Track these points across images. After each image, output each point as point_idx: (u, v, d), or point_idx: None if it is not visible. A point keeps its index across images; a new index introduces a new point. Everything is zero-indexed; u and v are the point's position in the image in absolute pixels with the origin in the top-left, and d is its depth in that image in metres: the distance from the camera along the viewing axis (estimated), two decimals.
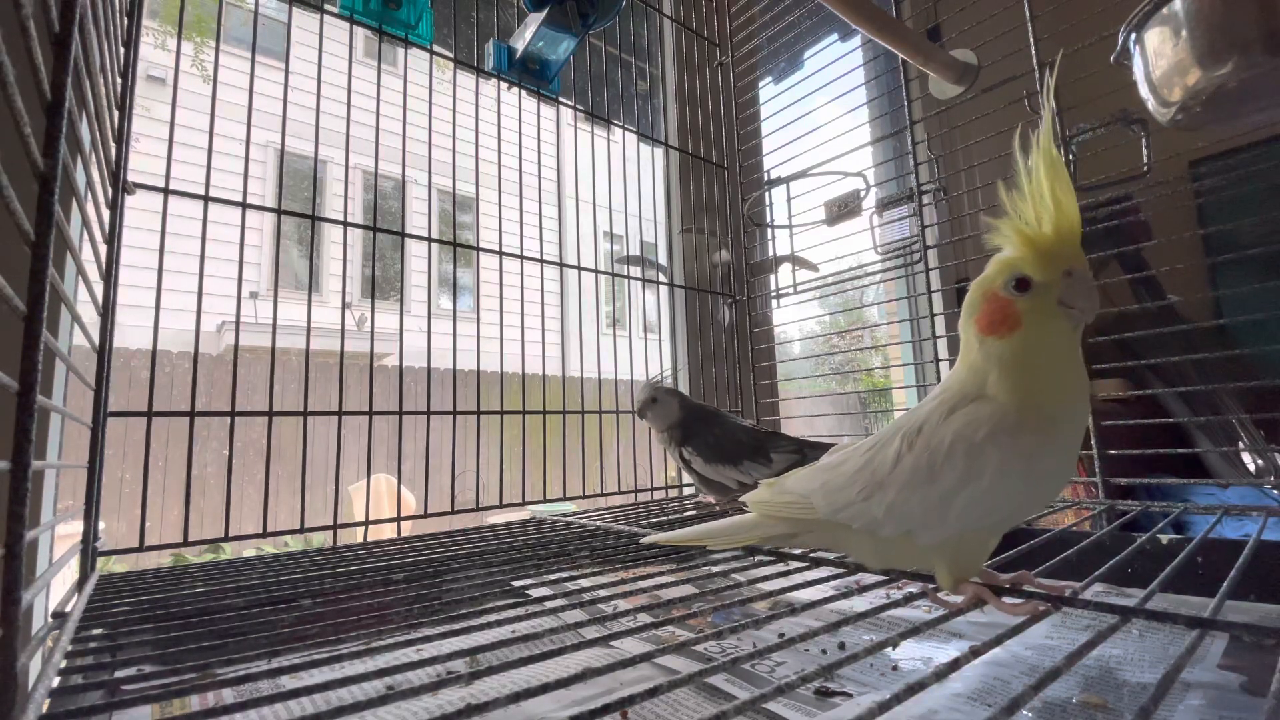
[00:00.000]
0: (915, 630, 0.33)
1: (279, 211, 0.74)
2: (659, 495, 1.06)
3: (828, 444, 0.80)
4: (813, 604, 0.40)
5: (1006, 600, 0.38)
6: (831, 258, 1.16)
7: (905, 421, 0.39)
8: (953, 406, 0.37)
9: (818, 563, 0.51)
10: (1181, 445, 0.76)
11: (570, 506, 0.98)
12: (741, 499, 0.49)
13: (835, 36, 1.32)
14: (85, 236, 0.49)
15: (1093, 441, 0.77)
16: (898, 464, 0.37)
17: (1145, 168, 0.79)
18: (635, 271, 1.12)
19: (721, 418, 0.84)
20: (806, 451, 0.77)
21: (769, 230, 1.23)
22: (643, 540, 0.51)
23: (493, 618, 0.38)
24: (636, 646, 0.50)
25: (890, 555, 0.41)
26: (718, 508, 0.86)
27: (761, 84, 1.35)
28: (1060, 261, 0.34)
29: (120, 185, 0.61)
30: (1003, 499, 0.36)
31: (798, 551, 0.55)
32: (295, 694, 0.27)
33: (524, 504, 0.90)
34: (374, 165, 0.77)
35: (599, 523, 0.78)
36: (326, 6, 0.78)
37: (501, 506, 0.88)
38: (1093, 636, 0.30)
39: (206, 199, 0.66)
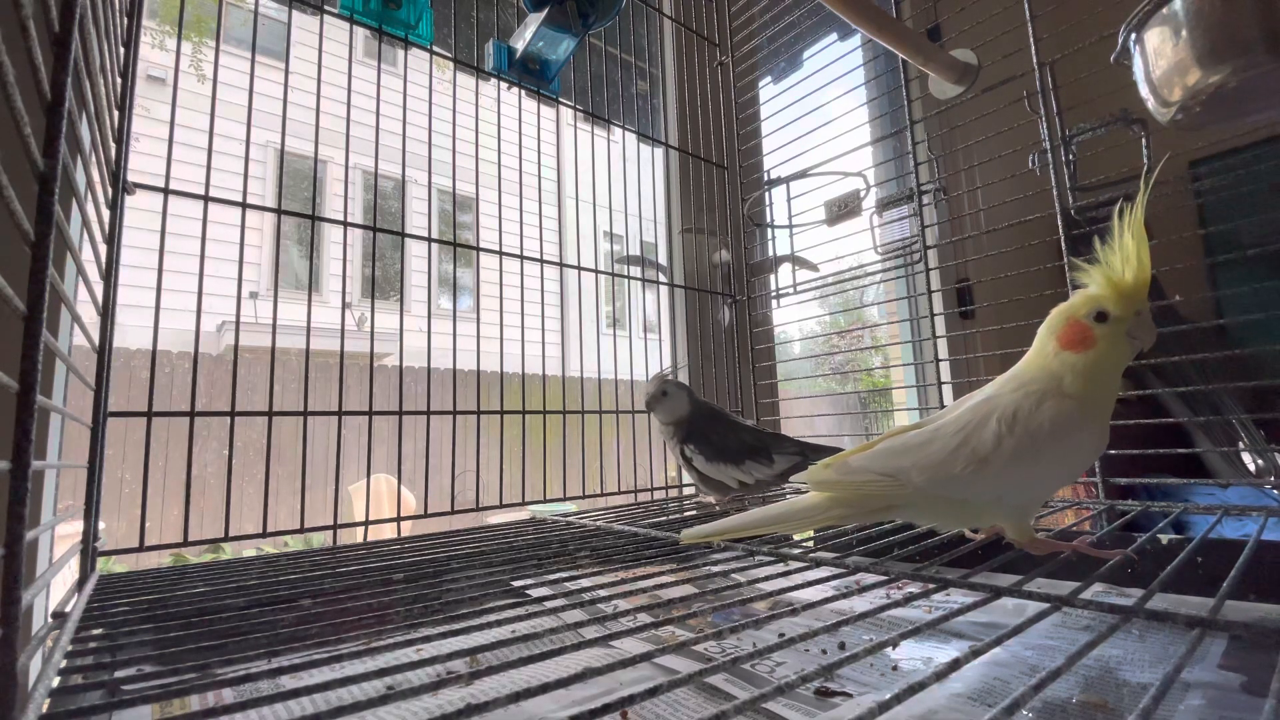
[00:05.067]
0: (915, 630, 0.33)
1: (279, 211, 0.74)
2: (659, 495, 1.06)
3: (829, 446, 0.80)
4: (813, 604, 0.40)
5: (1076, 543, 0.50)
6: (831, 258, 1.16)
7: (989, 408, 0.47)
8: (1040, 399, 0.46)
9: (818, 563, 0.51)
10: (1181, 445, 0.76)
11: (570, 506, 0.98)
12: (799, 483, 0.51)
13: (835, 36, 1.32)
14: (85, 236, 0.49)
15: None
16: (1000, 445, 0.45)
17: (1145, 167, 0.79)
18: (635, 271, 1.12)
19: (726, 417, 0.84)
20: (808, 453, 0.77)
21: (769, 230, 1.23)
22: (682, 537, 0.51)
23: (493, 618, 0.38)
24: (636, 646, 0.50)
25: (970, 518, 0.51)
26: (718, 507, 0.86)
27: (761, 84, 1.35)
28: (1134, 303, 0.45)
29: (120, 185, 0.61)
30: (1073, 471, 0.48)
31: (797, 551, 0.55)
32: (295, 694, 0.27)
33: (524, 504, 0.90)
34: (374, 165, 0.77)
35: (599, 523, 0.78)
36: (326, 6, 0.78)
37: (501, 506, 0.88)
38: (1093, 637, 0.30)
39: (206, 199, 0.66)
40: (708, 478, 0.80)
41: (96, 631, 0.41)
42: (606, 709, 0.24)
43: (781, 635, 0.35)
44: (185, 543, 0.64)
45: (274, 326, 0.70)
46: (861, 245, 1.13)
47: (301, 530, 0.70)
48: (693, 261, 1.25)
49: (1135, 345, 0.46)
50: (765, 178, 1.24)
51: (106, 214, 0.59)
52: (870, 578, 0.47)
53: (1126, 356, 0.47)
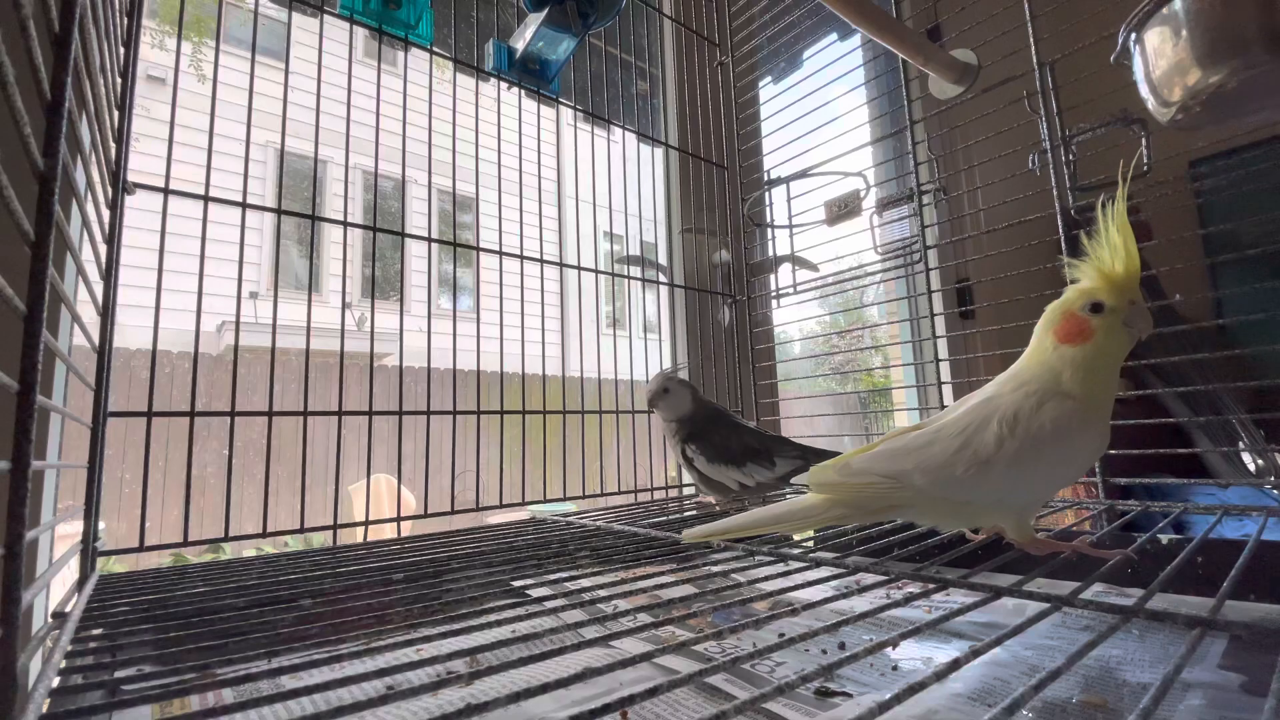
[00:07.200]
0: (915, 630, 0.33)
1: (279, 211, 0.74)
2: (659, 495, 1.06)
3: (830, 450, 0.80)
4: (813, 604, 0.40)
5: (1076, 543, 0.50)
6: (831, 258, 1.16)
7: (990, 409, 0.47)
8: (1040, 399, 0.46)
9: (818, 563, 0.51)
10: (1181, 445, 0.76)
11: (570, 506, 0.98)
12: (800, 484, 0.51)
13: (835, 36, 1.32)
14: (85, 236, 0.49)
15: None
16: (1001, 446, 0.45)
17: (1145, 168, 0.79)
18: (635, 271, 1.12)
19: (728, 418, 0.84)
20: (810, 457, 0.77)
21: (769, 230, 1.23)
22: (683, 537, 0.52)
23: (493, 618, 0.38)
24: (636, 646, 0.50)
25: (971, 519, 0.51)
26: (718, 508, 0.86)
27: (761, 84, 1.35)
28: (1127, 293, 0.46)
29: (120, 185, 0.61)
30: (1075, 471, 0.48)
31: (797, 551, 0.55)
32: (295, 694, 0.27)
33: (524, 504, 0.90)
34: (374, 165, 0.77)
35: (599, 523, 0.78)
36: (326, 6, 0.78)
37: (501, 506, 0.88)
38: (1093, 637, 0.30)
39: (206, 199, 0.66)
40: (708, 479, 0.80)
41: (96, 631, 0.41)
42: (606, 709, 0.24)
43: (781, 635, 0.35)
44: (185, 543, 0.64)
45: (274, 326, 0.70)
46: (861, 245, 1.13)
47: (301, 530, 0.71)
48: (693, 261, 1.25)
49: (1133, 334, 0.46)
50: (765, 178, 1.24)
51: (106, 214, 0.59)
52: (870, 578, 0.47)
53: (1125, 347, 0.47)
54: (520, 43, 0.91)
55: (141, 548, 0.63)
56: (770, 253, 1.23)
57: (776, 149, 1.24)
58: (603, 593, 0.46)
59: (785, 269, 1.21)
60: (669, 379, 0.83)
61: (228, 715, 0.25)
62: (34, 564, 0.55)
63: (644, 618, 0.42)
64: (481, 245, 0.91)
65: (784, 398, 1.24)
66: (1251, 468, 1.20)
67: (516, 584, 0.53)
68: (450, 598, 0.45)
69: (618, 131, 1.12)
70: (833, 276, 1.16)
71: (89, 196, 0.50)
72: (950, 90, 0.99)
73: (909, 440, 0.48)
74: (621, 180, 1.10)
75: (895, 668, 0.49)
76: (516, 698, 0.26)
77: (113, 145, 0.59)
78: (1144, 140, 0.79)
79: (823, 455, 0.78)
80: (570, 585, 0.51)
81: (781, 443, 0.81)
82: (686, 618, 0.45)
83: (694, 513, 0.87)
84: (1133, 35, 0.68)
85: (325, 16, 0.78)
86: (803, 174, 1.18)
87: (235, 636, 0.37)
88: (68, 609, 0.46)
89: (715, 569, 0.55)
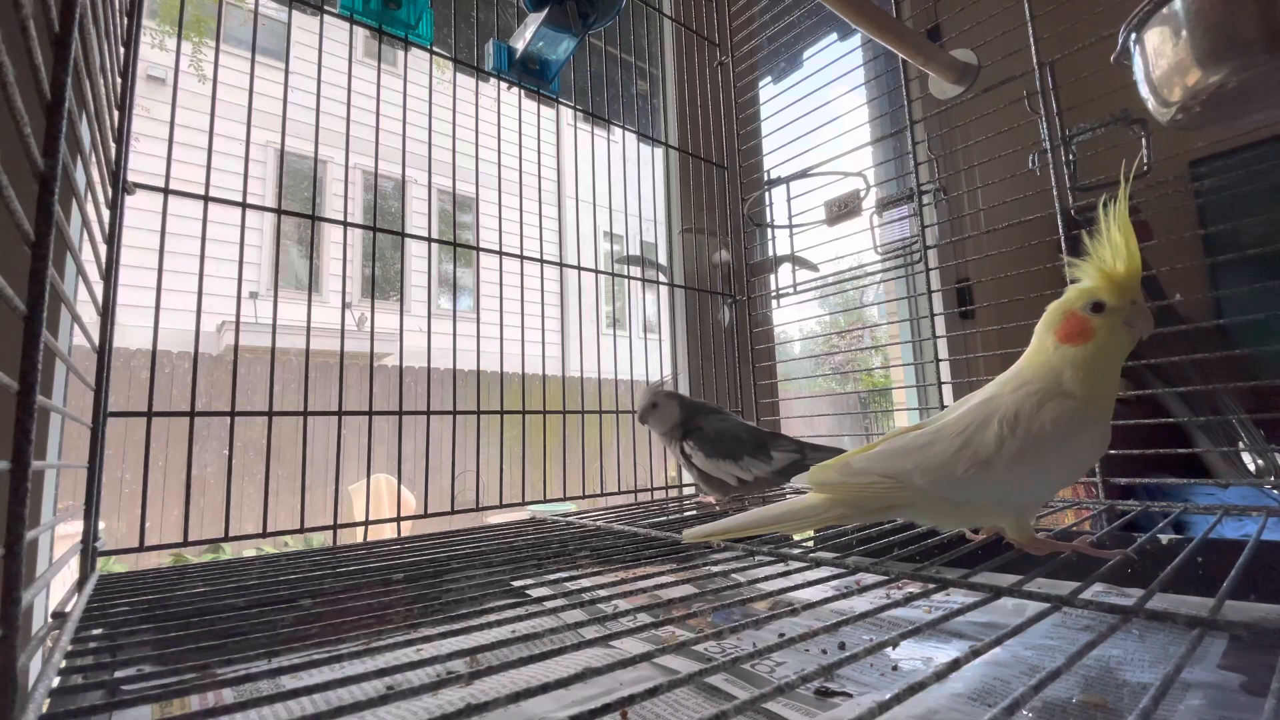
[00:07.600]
0: (915, 630, 0.33)
1: (279, 211, 0.74)
2: (659, 495, 1.06)
3: (826, 445, 0.80)
4: (813, 604, 0.40)
5: (1076, 543, 0.50)
6: (831, 258, 1.16)
7: (990, 409, 0.47)
8: (1041, 400, 0.46)
9: (818, 563, 0.51)
10: (1181, 445, 0.76)
11: (570, 506, 0.98)
12: (800, 484, 0.51)
13: (835, 36, 1.32)
14: (85, 236, 0.49)
15: None
16: (1001, 446, 0.45)
17: (1145, 168, 0.79)
18: (635, 271, 1.12)
19: (723, 415, 0.84)
20: (806, 451, 0.77)
21: (769, 230, 1.23)
22: (683, 537, 0.52)
23: (493, 618, 0.38)
24: (636, 646, 0.50)
25: (971, 519, 0.51)
26: (718, 507, 0.86)
27: (761, 84, 1.35)
28: (1128, 292, 0.46)
29: (120, 185, 0.61)
30: (1076, 472, 0.48)
31: (797, 551, 0.55)
32: (295, 694, 0.27)
33: (524, 504, 0.90)
34: (374, 165, 0.77)
35: (599, 523, 0.78)
36: (326, 6, 0.78)
37: (501, 506, 0.88)
38: (1093, 637, 0.30)
39: (206, 199, 0.66)
40: (707, 475, 0.80)
41: (96, 631, 0.41)
42: (606, 709, 0.24)
43: (781, 635, 0.35)
44: (185, 543, 0.64)
45: (274, 326, 0.70)
46: (861, 245, 1.13)
47: (301, 530, 0.71)
48: (693, 261, 1.25)
49: (1134, 334, 0.46)
50: (765, 178, 1.24)
51: (106, 214, 0.59)
52: (870, 578, 0.47)
53: (1126, 346, 0.47)
54: (520, 43, 0.91)
55: (141, 548, 0.63)
56: (770, 253, 1.23)
57: (776, 149, 1.24)
58: (603, 593, 0.46)
59: (785, 269, 1.21)
60: (656, 393, 0.84)
61: (228, 715, 0.25)
62: (34, 564, 0.55)
63: (644, 618, 0.42)
64: (481, 245, 0.91)
65: (784, 398, 1.24)
66: (1251, 468, 1.20)
67: (516, 584, 0.53)
68: (450, 598, 0.45)
69: (618, 131, 1.12)
70: (833, 276, 1.16)
71: (89, 196, 0.50)
72: (950, 90, 0.99)
73: (909, 440, 0.48)
74: (621, 180, 1.10)
75: (895, 668, 0.49)
76: (516, 698, 0.26)
77: (113, 145, 0.59)
78: (1144, 140, 0.79)
79: (818, 449, 0.78)
80: (570, 585, 0.51)
81: (777, 437, 0.81)
82: (686, 618, 0.45)
83: (694, 513, 0.87)
84: (1133, 35, 0.68)
85: (325, 16, 0.78)
86: (803, 174, 1.18)
87: (235, 636, 0.37)
88: (68, 609, 0.46)
89: (715, 569, 0.55)
